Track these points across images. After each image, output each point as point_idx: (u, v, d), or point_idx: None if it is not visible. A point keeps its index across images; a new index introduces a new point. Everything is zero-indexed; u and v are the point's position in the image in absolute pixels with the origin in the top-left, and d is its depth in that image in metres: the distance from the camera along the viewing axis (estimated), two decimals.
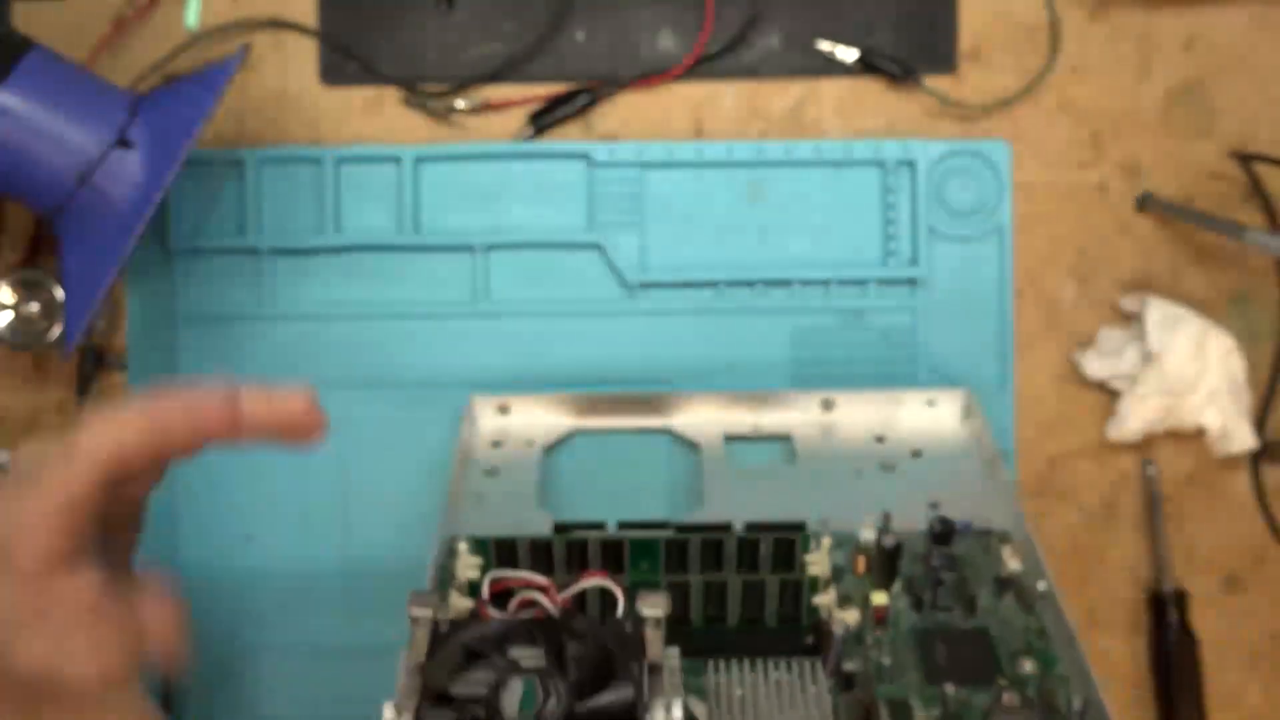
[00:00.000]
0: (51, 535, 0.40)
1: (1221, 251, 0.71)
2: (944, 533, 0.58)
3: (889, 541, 0.56)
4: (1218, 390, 0.68)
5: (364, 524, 0.70)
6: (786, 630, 0.56)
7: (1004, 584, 0.56)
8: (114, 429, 0.41)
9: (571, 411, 0.68)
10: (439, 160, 0.70)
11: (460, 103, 0.71)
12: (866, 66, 0.70)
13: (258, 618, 0.69)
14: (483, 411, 0.68)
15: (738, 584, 0.55)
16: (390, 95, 0.72)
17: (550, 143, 0.71)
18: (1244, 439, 0.68)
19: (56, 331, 0.69)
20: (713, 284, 0.70)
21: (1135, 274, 0.71)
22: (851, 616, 0.54)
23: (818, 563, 0.56)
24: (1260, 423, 0.70)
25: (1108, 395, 0.71)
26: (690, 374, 0.70)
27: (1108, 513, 0.71)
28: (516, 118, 0.71)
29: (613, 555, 0.55)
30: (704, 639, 0.56)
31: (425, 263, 0.70)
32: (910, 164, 0.70)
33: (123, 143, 0.60)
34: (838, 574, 0.57)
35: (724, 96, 0.72)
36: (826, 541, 0.56)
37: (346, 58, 0.71)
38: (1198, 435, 0.70)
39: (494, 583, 0.54)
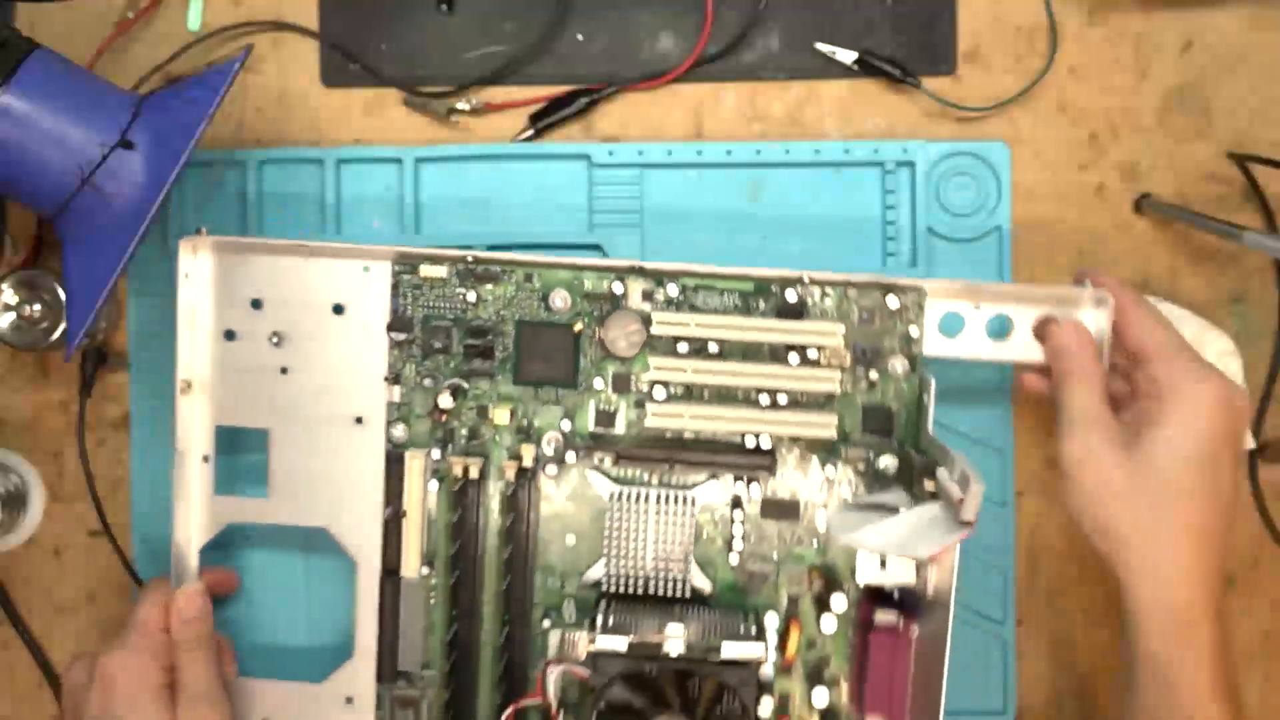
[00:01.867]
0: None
1: (1219, 252, 0.71)
2: None
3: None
4: None
5: None
6: None
7: None
8: None
9: None
10: (440, 161, 0.71)
11: (461, 104, 0.71)
12: (866, 68, 0.71)
13: (256, 617, 0.70)
14: None
15: None
16: (391, 96, 0.72)
17: (550, 144, 0.71)
18: (1245, 440, 0.68)
19: (59, 332, 0.69)
20: None
21: (1133, 275, 0.71)
22: None
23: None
24: (1257, 423, 0.71)
25: None
26: None
27: None
28: (517, 119, 0.72)
29: None
30: None
31: None
32: (909, 165, 0.70)
33: (125, 144, 0.60)
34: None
35: (724, 98, 0.72)
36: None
37: (347, 59, 0.71)
38: None
39: None
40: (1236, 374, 0.68)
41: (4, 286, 0.70)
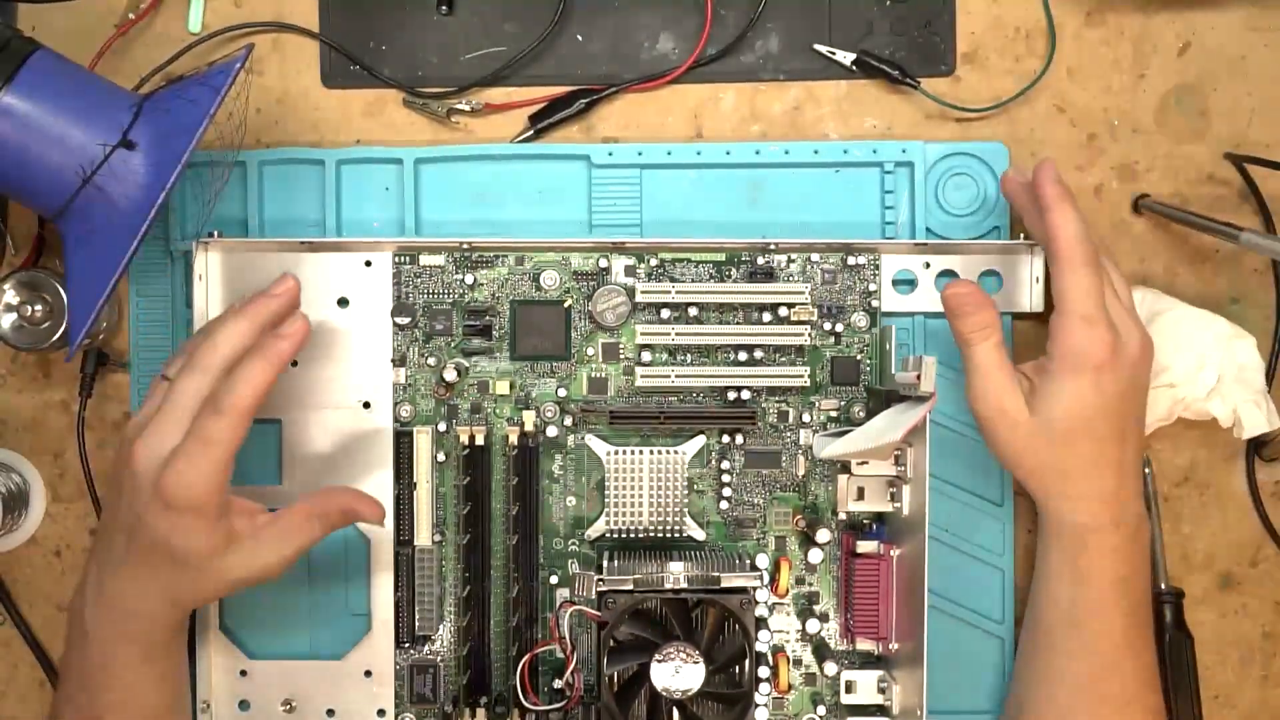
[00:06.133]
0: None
1: (1217, 253, 0.71)
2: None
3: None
4: (1222, 378, 0.67)
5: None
6: None
7: None
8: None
9: None
10: (440, 162, 0.71)
11: (461, 105, 0.71)
12: (864, 69, 0.71)
13: (254, 618, 0.70)
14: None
15: None
16: (391, 97, 0.72)
17: (550, 145, 0.71)
18: (1257, 423, 0.67)
19: (60, 332, 0.70)
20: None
21: (1131, 275, 0.71)
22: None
23: None
24: None
25: None
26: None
27: None
28: (517, 120, 0.72)
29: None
30: None
31: None
32: (908, 166, 0.70)
33: (126, 144, 0.60)
34: None
35: (723, 98, 0.72)
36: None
37: (348, 60, 0.72)
38: (1201, 428, 0.70)
39: None
40: (1245, 358, 0.67)
41: (5, 287, 0.70)
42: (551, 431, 0.68)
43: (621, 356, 0.69)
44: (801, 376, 0.68)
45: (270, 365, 0.58)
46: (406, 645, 0.69)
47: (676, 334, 0.68)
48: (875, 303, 0.69)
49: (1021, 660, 0.67)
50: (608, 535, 0.68)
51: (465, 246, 0.69)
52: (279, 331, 0.60)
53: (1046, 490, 0.63)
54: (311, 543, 0.61)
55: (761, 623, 0.67)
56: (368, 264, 0.69)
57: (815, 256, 0.69)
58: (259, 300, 0.61)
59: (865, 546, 0.67)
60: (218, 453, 0.57)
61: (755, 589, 0.63)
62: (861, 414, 0.69)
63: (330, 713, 0.69)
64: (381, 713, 0.69)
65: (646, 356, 0.69)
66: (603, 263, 0.69)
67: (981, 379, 0.62)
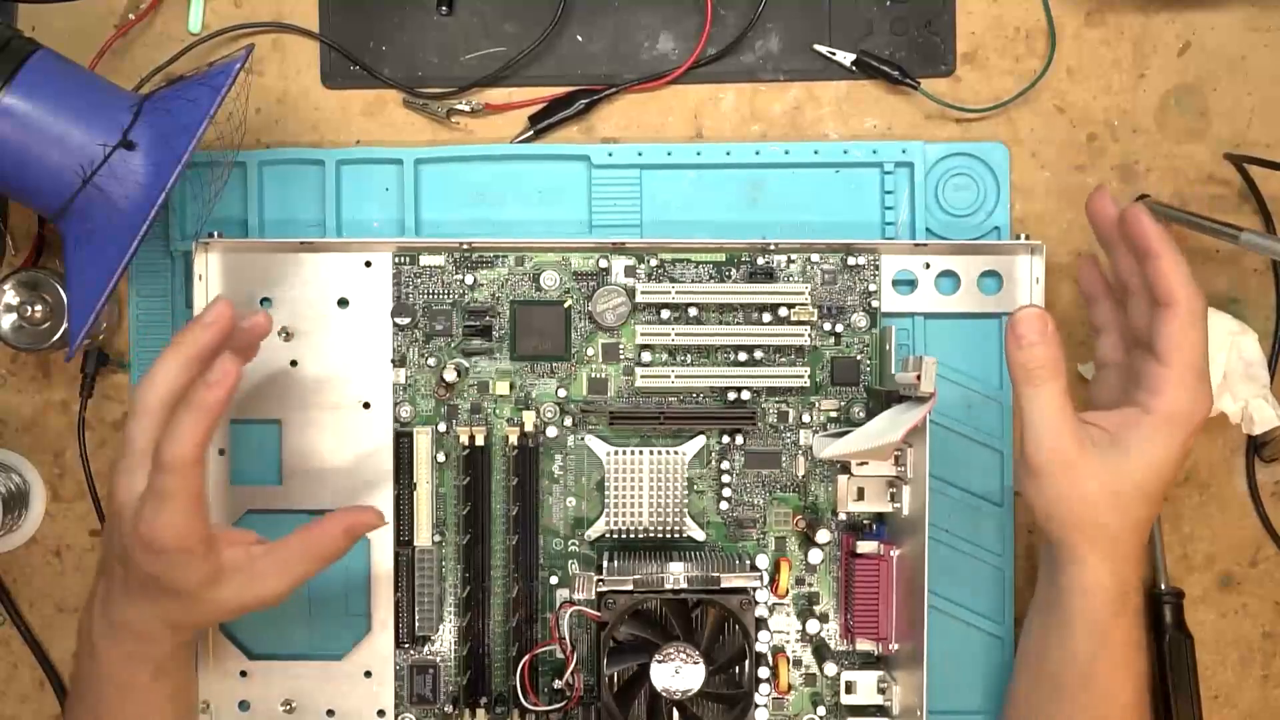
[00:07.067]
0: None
1: (1217, 253, 0.71)
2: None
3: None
4: (1230, 373, 0.67)
5: None
6: None
7: None
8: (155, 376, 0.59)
9: None
10: (439, 162, 0.71)
11: (460, 105, 0.71)
12: (864, 69, 0.71)
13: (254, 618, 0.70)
14: None
15: None
16: (391, 97, 0.72)
17: (550, 145, 0.71)
18: (1267, 419, 0.67)
19: (60, 333, 0.70)
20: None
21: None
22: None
23: None
24: None
25: None
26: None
27: None
28: (516, 120, 0.72)
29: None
30: None
31: None
32: (908, 166, 0.70)
33: (126, 144, 0.60)
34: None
35: (723, 99, 0.72)
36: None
37: (347, 60, 0.72)
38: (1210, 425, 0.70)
39: None
40: (1251, 353, 0.67)
41: (5, 287, 0.70)
42: (551, 432, 0.69)
43: (621, 357, 0.69)
44: (801, 377, 0.68)
45: (202, 416, 0.56)
46: (406, 645, 0.69)
47: (676, 334, 0.68)
48: (875, 303, 0.69)
49: (1019, 712, 0.65)
50: (608, 536, 0.68)
51: (465, 247, 0.69)
52: (207, 379, 0.56)
53: (1089, 551, 0.59)
54: (310, 574, 0.60)
55: (761, 623, 0.67)
56: (367, 264, 0.69)
57: (815, 257, 0.69)
58: (190, 332, 0.59)
59: (865, 547, 0.67)
60: (177, 503, 0.56)
61: (755, 589, 0.64)
62: (861, 414, 0.69)
63: (330, 713, 0.69)
64: (381, 713, 0.69)
65: (646, 357, 0.69)
66: (603, 263, 0.69)
67: (1042, 428, 0.57)
